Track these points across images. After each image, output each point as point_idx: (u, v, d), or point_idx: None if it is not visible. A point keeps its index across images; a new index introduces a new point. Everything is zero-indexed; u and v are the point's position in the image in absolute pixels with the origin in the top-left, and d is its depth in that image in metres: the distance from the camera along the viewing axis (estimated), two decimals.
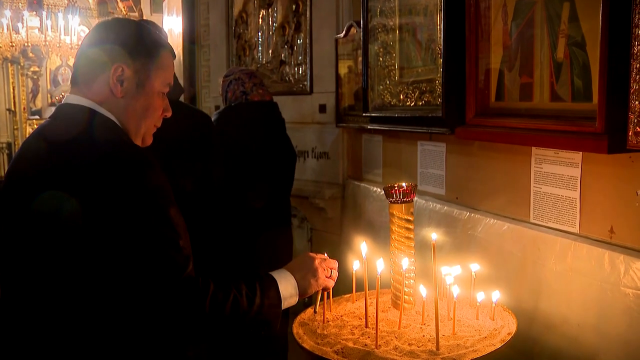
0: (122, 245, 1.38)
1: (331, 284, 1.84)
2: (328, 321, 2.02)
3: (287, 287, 1.66)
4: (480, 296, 2.02)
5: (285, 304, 1.64)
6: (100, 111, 1.53)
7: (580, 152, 2.12)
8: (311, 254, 1.82)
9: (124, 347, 1.45)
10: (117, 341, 1.44)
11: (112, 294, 1.40)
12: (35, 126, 13.17)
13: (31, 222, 1.44)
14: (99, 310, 1.42)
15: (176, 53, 6.12)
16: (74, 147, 1.44)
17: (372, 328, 1.88)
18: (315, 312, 2.02)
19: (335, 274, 1.85)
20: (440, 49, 2.71)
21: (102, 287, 1.40)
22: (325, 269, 1.80)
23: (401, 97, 3.13)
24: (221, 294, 1.46)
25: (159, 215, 1.42)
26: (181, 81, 4.61)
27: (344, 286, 2.24)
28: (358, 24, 3.57)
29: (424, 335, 1.87)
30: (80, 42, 1.59)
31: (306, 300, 3.78)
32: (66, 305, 1.42)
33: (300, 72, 4.61)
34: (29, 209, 1.43)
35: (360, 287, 2.14)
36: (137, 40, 1.57)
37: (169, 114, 1.67)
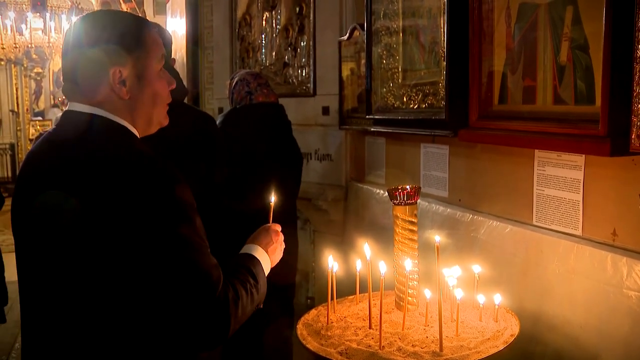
0: (152, 260, 1.34)
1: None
2: (332, 322, 2.03)
3: (267, 267, 1.71)
4: (483, 298, 2.03)
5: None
6: (109, 117, 1.47)
7: (583, 155, 2.13)
8: (272, 227, 1.81)
9: (140, 350, 1.43)
10: (136, 345, 1.42)
11: (140, 305, 1.38)
12: (39, 127, 13.25)
13: (58, 232, 1.38)
14: (123, 320, 1.39)
15: (180, 55, 6.16)
16: (91, 157, 1.39)
17: (376, 329, 1.89)
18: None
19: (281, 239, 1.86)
20: (443, 51, 2.72)
21: (130, 299, 1.38)
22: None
23: (404, 99, 3.14)
24: (244, 296, 1.47)
25: (189, 227, 1.39)
26: (185, 83, 4.62)
27: (347, 287, 2.25)
28: (361, 26, 3.58)
29: (427, 337, 1.88)
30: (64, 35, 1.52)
31: (309, 302, 3.77)
32: (89, 315, 1.39)
33: (304, 74, 4.62)
34: (54, 217, 1.38)
35: (363, 289, 2.15)
36: (122, 34, 1.48)
37: (174, 85, 1.60)
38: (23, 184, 1.51)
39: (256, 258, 1.67)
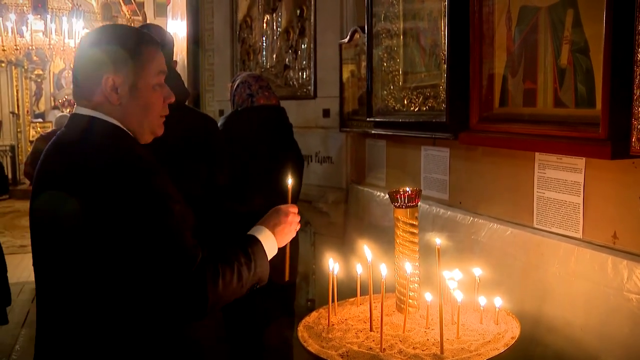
0: (134, 241, 1.50)
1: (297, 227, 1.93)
2: (333, 325, 2.03)
3: (271, 247, 1.79)
4: (483, 300, 2.03)
5: (269, 257, 1.77)
6: (106, 119, 1.62)
7: (584, 158, 2.14)
8: (283, 207, 1.88)
9: (133, 330, 1.58)
10: (127, 325, 1.56)
11: (125, 286, 1.53)
12: (39, 129, 13.29)
13: (56, 226, 1.56)
14: (114, 301, 1.54)
15: (181, 57, 6.16)
16: (86, 156, 1.56)
17: (377, 331, 1.89)
18: (286, 279, 2.00)
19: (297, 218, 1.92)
20: (444, 54, 2.73)
21: (117, 280, 1.53)
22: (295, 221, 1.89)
23: (405, 102, 3.15)
24: (228, 273, 1.58)
25: (165, 212, 1.53)
26: (185, 85, 4.62)
27: (348, 290, 2.26)
28: (362, 29, 3.59)
29: (428, 339, 1.88)
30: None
31: (309, 304, 3.77)
32: (86, 298, 1.55)
33: (304, 76, 4.63)
34: (51, 214, 1.55)
35: (364, 291, 2.15)
36: (118, 47, 1.63)
37: (172, 100, 1.73)
38: (35, 183, 1.67)
39: (256, 238, 1.76)
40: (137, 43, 1.66)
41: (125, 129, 1.64)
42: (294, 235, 1.89)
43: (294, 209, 1.89)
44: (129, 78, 1.62)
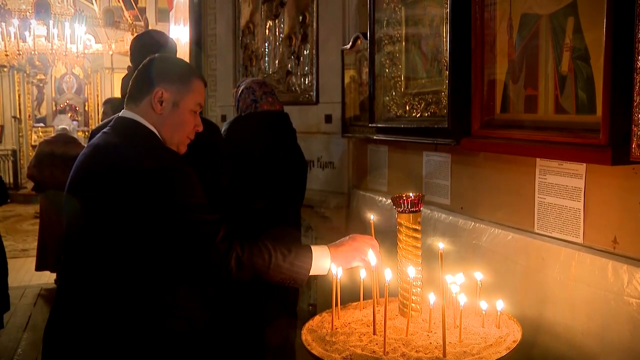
0: (169, 222, 1.83)
1: (368, 263, 2.06)
2: (336, 328, 2.05)
3: (322, 260, 2.01)
4: (485, 304, 2.05)
5: (315, 270, 2.00)
6: (146, 124, 1.96)
7: (584, 164, 2.16)
8: (357, 234, 2.14)
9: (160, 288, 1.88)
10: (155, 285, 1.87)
11: (159, 255, 1.85)
12: (40, 134, 13.34)
13: (95, 208, 1.85)
14: (149, 270, 1.85)
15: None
16: (125, 151, 1.89)
17: (380, 335, 1.91)
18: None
19: (375, 254, 2.08)
20: (446, 60, 2.75)
21: (153, 252, 1.84)
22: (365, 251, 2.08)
23: (407, 108, 3.17)
24: (257, 250, 1.89)
25: (190, 197, 1.86)
26: None
27: (350, 294, 2.27)
28: (364, 35, 3.61)
29: (431, 343, 1.90)
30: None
31: (310, 309, 3.81)
32: (123, 273, 1.84)
33: (307, 82, 4.65)
34: (95, 200, 1.84)
35: (367, 295, 2.17)
36: (174, 71, 2.02)
37: (200, 129, 2.05)
38: (78, 174, 1.94)
39: (308, 246, 2.02)
40: (191, 74, 2.05)
41: (156, 131, 1.95)
42: (358, 262, 2.09)
43: (368, 239, 2.12)
44: (174, 96, 1.96)
